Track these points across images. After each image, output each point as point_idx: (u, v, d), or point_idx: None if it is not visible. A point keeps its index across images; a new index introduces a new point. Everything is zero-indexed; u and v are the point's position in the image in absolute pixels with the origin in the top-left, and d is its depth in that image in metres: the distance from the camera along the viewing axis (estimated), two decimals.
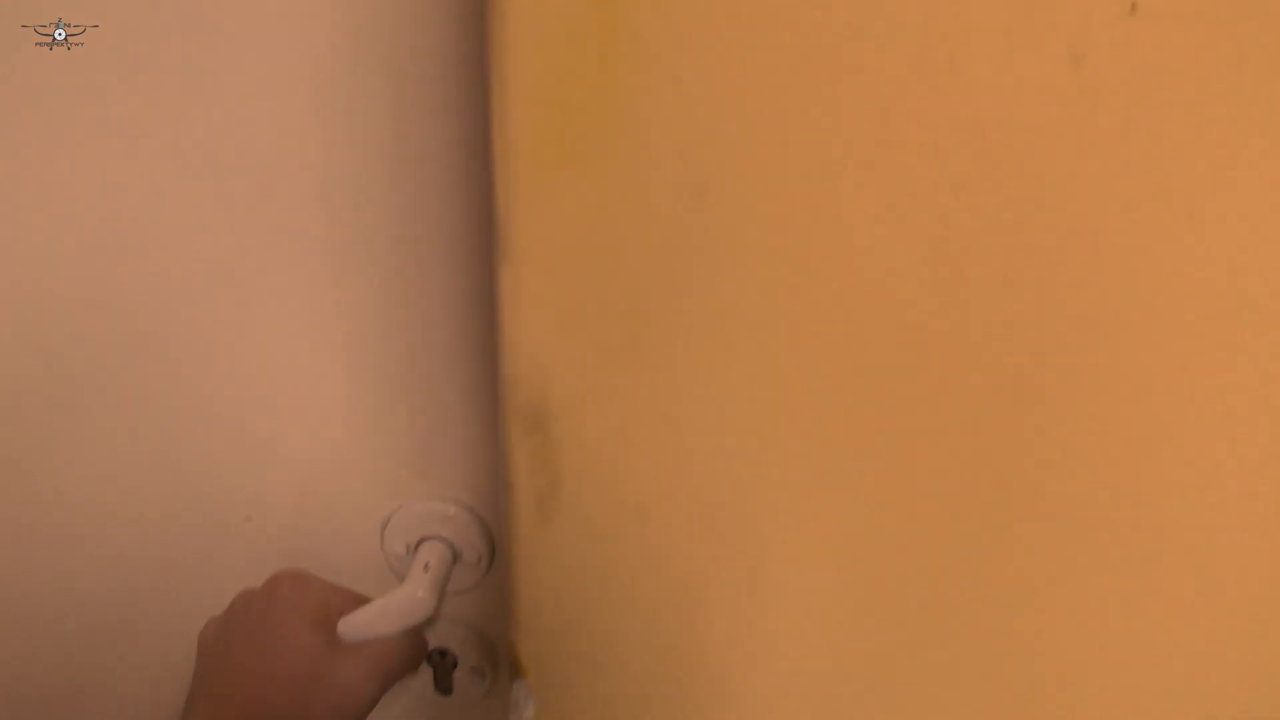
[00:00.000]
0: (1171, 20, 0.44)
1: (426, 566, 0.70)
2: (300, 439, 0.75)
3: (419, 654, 0.66)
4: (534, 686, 0.65)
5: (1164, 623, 0.56)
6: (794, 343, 0.52)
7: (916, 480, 0.54)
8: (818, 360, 0.52)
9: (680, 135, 0.48)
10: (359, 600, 0.64)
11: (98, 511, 0.79)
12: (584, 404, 0.56)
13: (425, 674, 0.80)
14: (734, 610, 0.60)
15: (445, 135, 0.62)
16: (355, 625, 0.60)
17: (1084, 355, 0.50)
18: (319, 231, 0.66)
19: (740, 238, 0.51)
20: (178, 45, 0.61)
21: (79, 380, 0.73)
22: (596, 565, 0.61)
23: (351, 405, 0.73)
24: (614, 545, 0.60)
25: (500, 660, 0.84)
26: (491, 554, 0.77)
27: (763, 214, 0.50)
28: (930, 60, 0.46)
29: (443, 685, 0.79)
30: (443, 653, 0.81)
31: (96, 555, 0.81)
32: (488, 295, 0.61)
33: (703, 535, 0.58)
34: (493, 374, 0.59)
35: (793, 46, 0.46)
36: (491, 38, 0.48)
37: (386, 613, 0.62)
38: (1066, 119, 0.46)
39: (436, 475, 0.75)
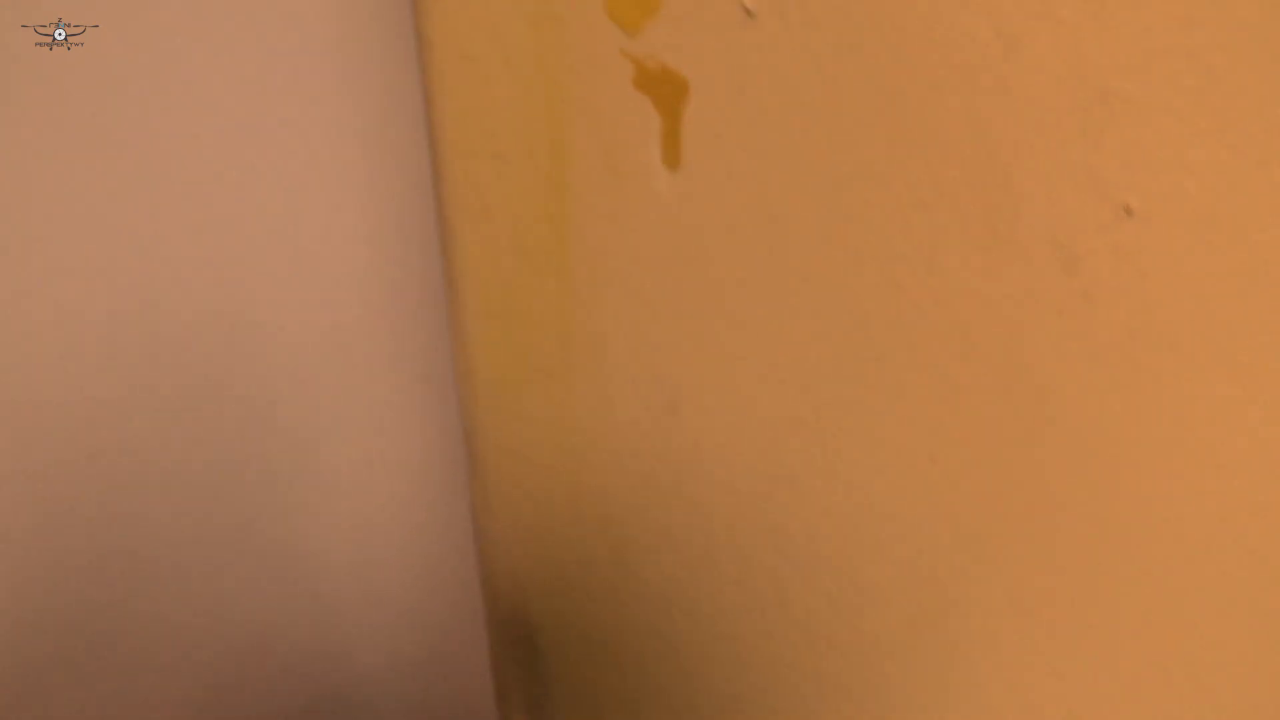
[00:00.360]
0: (1168, 222, 0.40)
1: None
2: None
3: None
4: None
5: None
6: (778, 553, 0.48)
7: None
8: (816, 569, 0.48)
9: (649, 352, 0.45)
10: None
11: None
12: (567, 621, 0.52)
13: None
14: None
15: None
16: None
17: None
18: None
19: (714, 448, 0.47)
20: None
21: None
22: None
23: None
24: None
25: None
26: None
27: (737, 426, 0.46)
28: (910, 267, 0.42)
29: None
30: None
31: None
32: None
33: None
34: None
35: (764, 260, 0.43)
36: (445, 254, 0.46)
37: None
38: (1061, 324, 0.42)
39: None
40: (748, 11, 0.39)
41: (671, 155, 0.42)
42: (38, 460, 0.71)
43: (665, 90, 0.41)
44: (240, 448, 0.67)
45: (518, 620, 0.54)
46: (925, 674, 0.50)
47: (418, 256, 0.57)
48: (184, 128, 0.63)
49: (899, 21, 0.39)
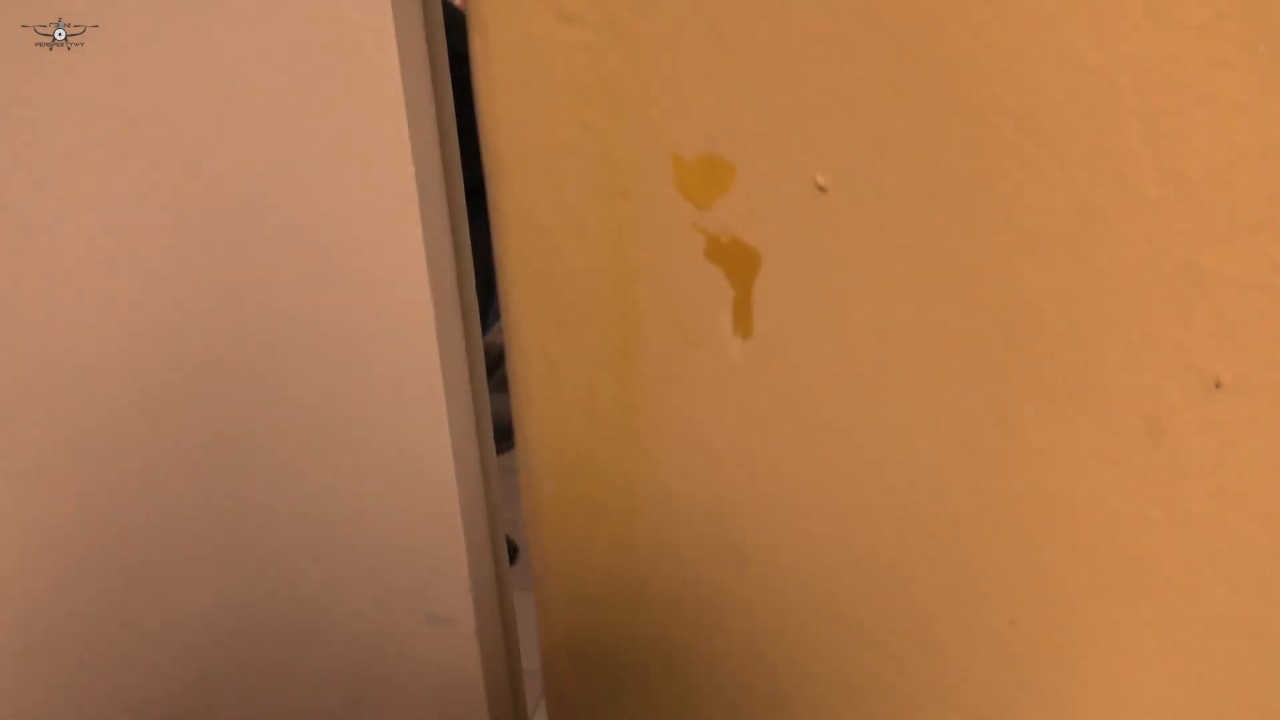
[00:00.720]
0: (1260, 395, 0.39)
1: None
2: None
3: None
4: None
5: None
6: (854, 709, 0.47)
7: None
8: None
9: (718, 509, 0.45)
10: None
11: None
12: None
13: None
14: None
15: None
16: None
17: None
18: None
19: (781, 605, 0.46)
20: None
21: None
22: None
23: None
24: None
25: None
26: None
27: (805, 584, 0.45)
28: (984, 433, 0.41)
29: None
30: None
31: None
32: None
33: None
34: None
35: (834, 425, 0.42)
36: (515, 409, 0.46)
37: None
38: (1147, 493, 0.41)
39: None
40: (820, 187, 0.39)
41: (743, 324, 0.41)
42: (38, 456, 0.71)
43: (737, 262, 0.41)
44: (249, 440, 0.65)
45: None
46: None
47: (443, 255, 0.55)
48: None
49: (972, 195, 0.38)
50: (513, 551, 1.94)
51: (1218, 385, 0.39)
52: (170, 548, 0.75)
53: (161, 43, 0.62)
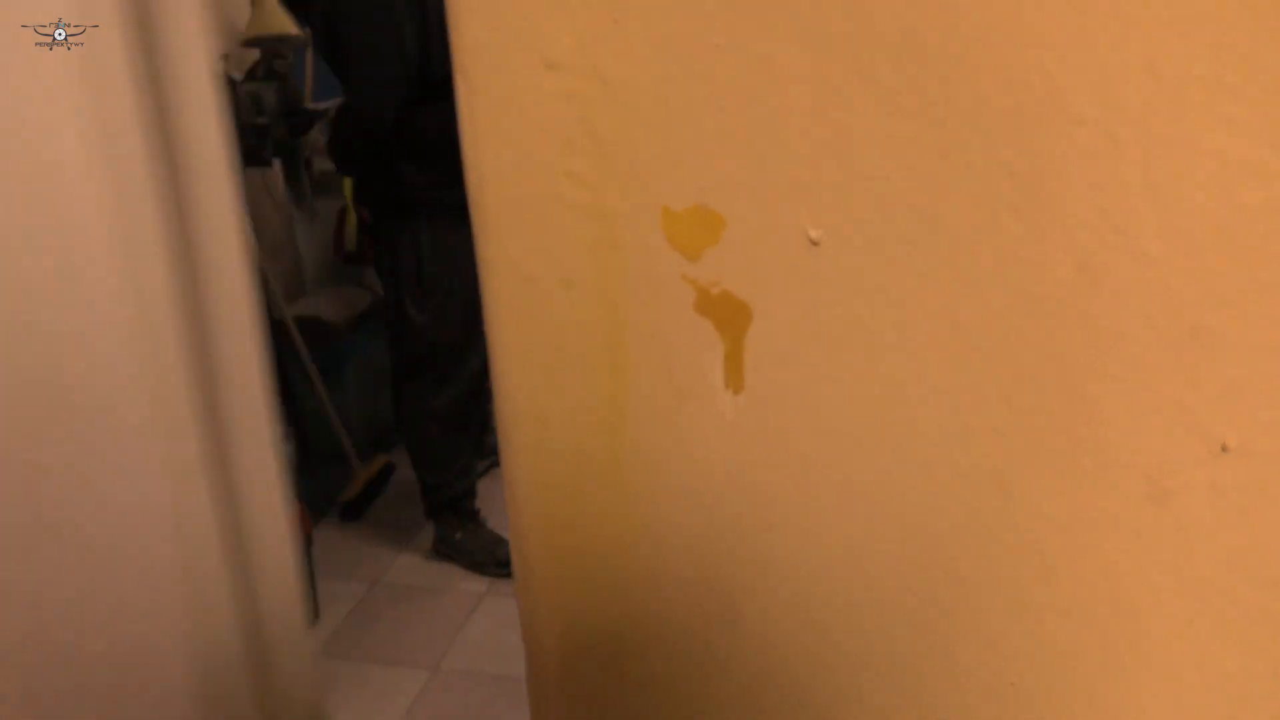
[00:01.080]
0: (1268, 458, 0.37)
1: None
2: None
3: None
4: None
5: None
6: None
7: None
8: None
9: (711, 563, 0.44)
10: None
11: None
12: None
13: None
14: None
15: None
16: None
17: None
18: None
19: (777, 659, 0.45)
20: None
21: None
22: None
23: None
24: None
25: None
26: None
27: (799, 639, 0.44)
28: (981, 492, 0.40)
29: None
30: None
31: None
32: None
33: None
34: None
35: (827, 480, 0.41)
36: (503, 460, 0.45)
37: None
38: (1152, 556, 0.39)
39: None
40: (813, 240, 0.38)
41: (735, 378, 0.40)
42: None
43: (727, 314, 0.40)
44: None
45: None
46: None
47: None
48: None
49: (970, 252, 0.37)
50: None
51: (1224, 449, 0.37)
52: None
53: None
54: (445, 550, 2.05)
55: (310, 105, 1.81)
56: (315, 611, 1.90)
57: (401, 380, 1.93)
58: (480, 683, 1.78)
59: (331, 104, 1.74)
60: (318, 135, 1.93)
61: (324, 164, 2.03)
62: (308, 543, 1.82)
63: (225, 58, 1.78)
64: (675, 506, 0.43)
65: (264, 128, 1.75)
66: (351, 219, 2.18)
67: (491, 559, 1.99)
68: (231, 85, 1.69)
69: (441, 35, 1.65)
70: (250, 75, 1.74)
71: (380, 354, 2.05)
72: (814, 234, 0.38)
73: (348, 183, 2.09)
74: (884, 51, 0.35)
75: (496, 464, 2.25)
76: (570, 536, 0.45)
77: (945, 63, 0.35)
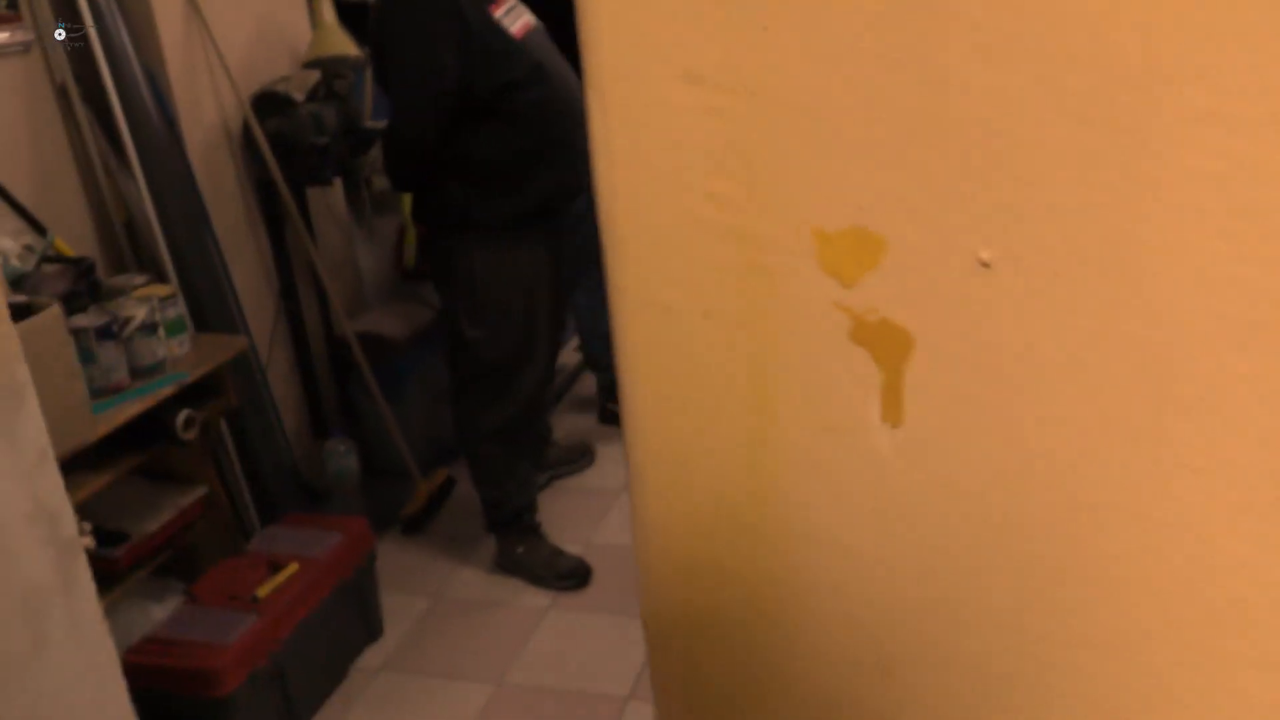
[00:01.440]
0: None
1: None
2: None
3: None
4: None
5: None
6: None
7: None
8: None
9: (860, 611, 0.41)
10: None
11: None
12: None
13: None
14: None
15: None
16: None
17: None
18: None
19: (926, 710, 0.42)
20: None
21: None
22: None
23: None
24: None
25: None
26: None
27: (952, 690, 0.41)
28: (1174, 532, 0.36)
29: None
30: None
31: None
32: None
33: None
34: None
35: (988, 520, 0.38)
36: (633, 501, 0.42)
37: None
38: None
39: None
40: (983, 263, 0.35)
41: (893, 411, 0.37)
42: None
43: (886, 343, 0.36)
44: None
45: None
46: None
47: None
48: None
49: (1159, 272, 0.34)
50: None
51: None
52: None
53: None
54: (507, 565, 2.03)
55: (370, 124, 1.81)
56: (380, 626, 1.89)
57: (458, 396, 1.92)
58: (544, 697, 1.76)
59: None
60: (377, 153, 1.93)
61: (383, 181, 2.03)
62: (371, 558, 1.81)
63: (286, 80, 1.79)
64: (823, 555, 0.40)
65: (324, 147, 1.75)
66: (410, 236, 2.18)
67: (552, 572, 1.97)
68: (293, 106, 1.69)
69: (484, 56, 1.66)
70: (311, 96, 1.74)
71: (440, 369, 2.04)
72: (985, 255, 0.35)
73: (406, 199, 2.09)
74: (1072, 58, 0.32)
75: (557, 476, 2.23)
76: (705, 584, 0.42)
77: (1140, 69, 0.32)
